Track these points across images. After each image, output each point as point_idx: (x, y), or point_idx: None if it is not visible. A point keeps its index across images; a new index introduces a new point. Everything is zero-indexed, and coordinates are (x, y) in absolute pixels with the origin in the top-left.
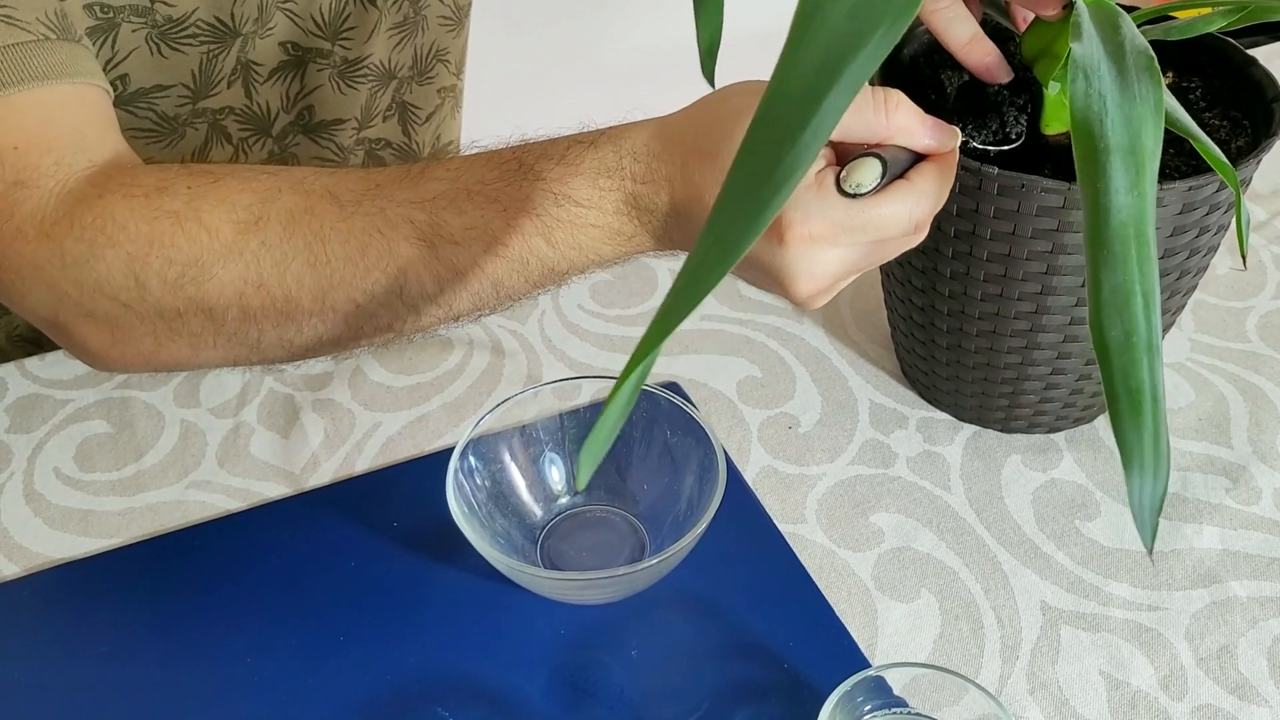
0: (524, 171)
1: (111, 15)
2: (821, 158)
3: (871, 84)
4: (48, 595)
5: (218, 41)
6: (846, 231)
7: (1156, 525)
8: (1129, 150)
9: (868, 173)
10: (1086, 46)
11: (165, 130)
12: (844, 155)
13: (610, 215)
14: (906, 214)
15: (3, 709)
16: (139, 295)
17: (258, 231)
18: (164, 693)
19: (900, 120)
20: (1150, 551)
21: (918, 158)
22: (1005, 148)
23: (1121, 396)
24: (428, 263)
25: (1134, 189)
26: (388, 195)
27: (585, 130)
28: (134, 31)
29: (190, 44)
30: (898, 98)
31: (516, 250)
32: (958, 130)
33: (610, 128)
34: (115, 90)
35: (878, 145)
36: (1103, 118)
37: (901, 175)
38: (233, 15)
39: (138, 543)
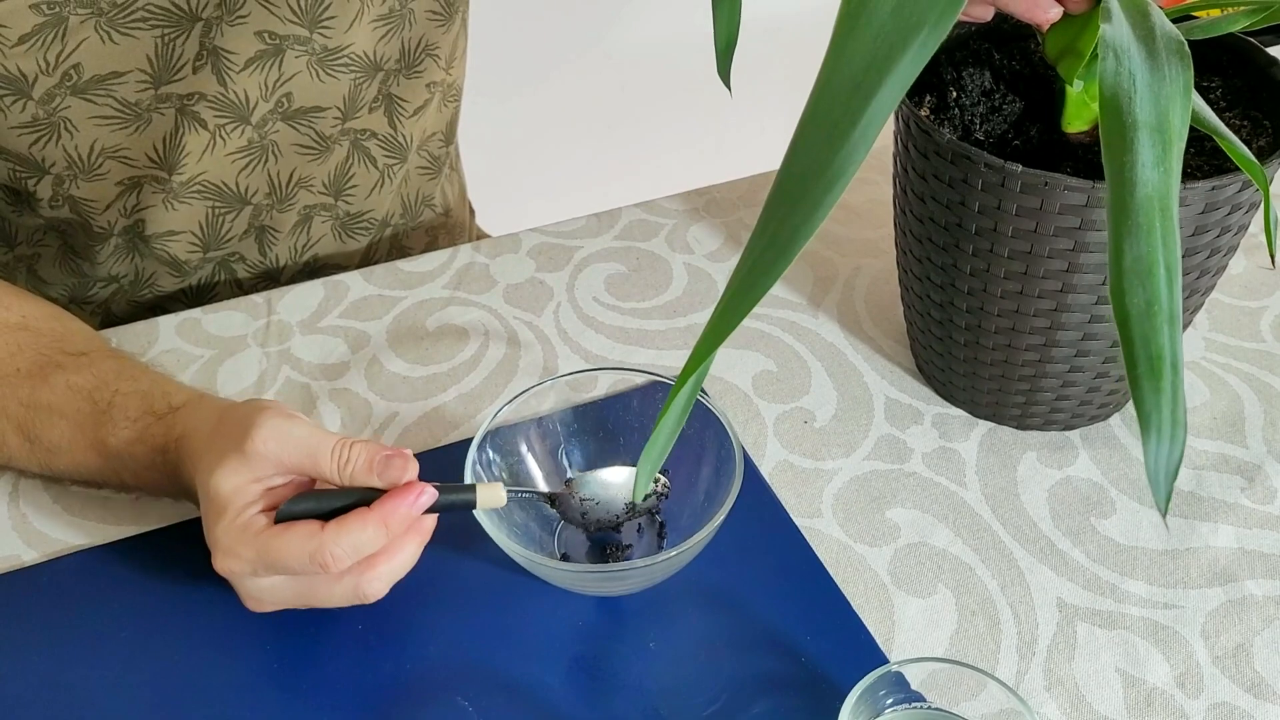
0: (105, 417)
1: (58, 10)
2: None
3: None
4: (66, 581)
5: (173, 25)
6: (260, 564)
7: (1171, 490)
8: (1156, 128)
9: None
10: (1116, 28)
11: (129, 116)
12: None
13: (150, 469)
14: (304, 550)
15: (22, 694)
16: None
17: None
18: (182, 679)
19: (351, 473)
20: (1164, 514)
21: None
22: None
23: (1141, 362)
24: (28, 452)
25: (1160, 164)
26: (13, 387)
27: (170, 394)
28: (82, 22)
29: (140, 27)
30: (354, 452)
31: (88, 470)
32: (411, 466)
33: (182, 412)
34: (69, 80)
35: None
36: (1131, 95)
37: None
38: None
39: (156, 530)
